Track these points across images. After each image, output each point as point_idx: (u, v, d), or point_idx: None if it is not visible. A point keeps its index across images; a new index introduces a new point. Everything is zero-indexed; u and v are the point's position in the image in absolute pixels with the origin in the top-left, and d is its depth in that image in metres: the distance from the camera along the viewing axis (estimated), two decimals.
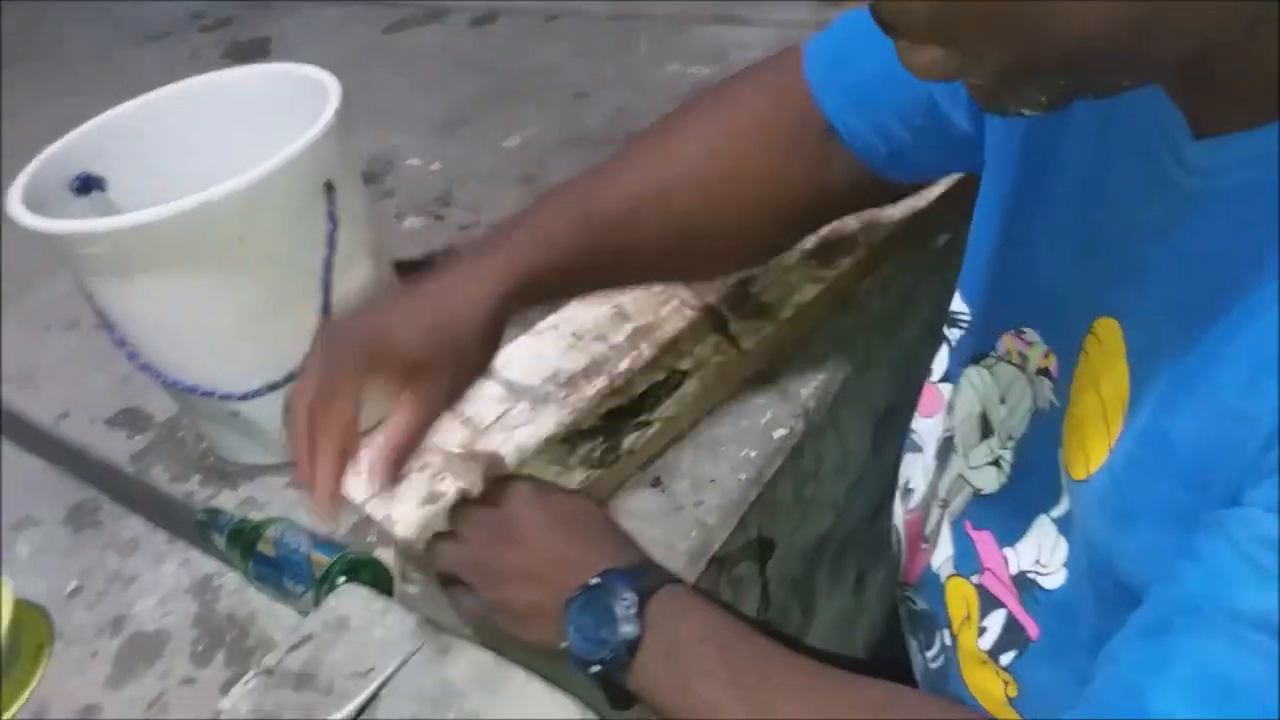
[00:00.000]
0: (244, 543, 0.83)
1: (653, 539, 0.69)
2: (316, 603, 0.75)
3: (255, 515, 0.88)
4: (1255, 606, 0.36)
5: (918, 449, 0.68)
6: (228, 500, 0.93)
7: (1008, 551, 0.55)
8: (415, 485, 0.72)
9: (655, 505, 0.70)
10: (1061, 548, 0.51)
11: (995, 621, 0.56)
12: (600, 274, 0.69)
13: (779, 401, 0.76)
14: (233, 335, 0.86)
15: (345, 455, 0.60)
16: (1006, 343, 0.60)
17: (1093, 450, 0.48)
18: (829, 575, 0.87)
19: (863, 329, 0.80)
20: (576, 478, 0.70)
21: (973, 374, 0.62)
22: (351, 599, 0.70)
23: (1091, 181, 0.52)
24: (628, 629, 0.55)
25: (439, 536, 0.67)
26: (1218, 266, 0.41)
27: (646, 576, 0.58)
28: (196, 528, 0.89)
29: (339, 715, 0.61)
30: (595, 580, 0.57)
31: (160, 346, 0.88)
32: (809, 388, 0.76)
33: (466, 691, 0.62)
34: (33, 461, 1.07)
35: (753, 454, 0.72)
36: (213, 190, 0.77)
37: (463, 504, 0.67)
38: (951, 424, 0.63)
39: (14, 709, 0.80)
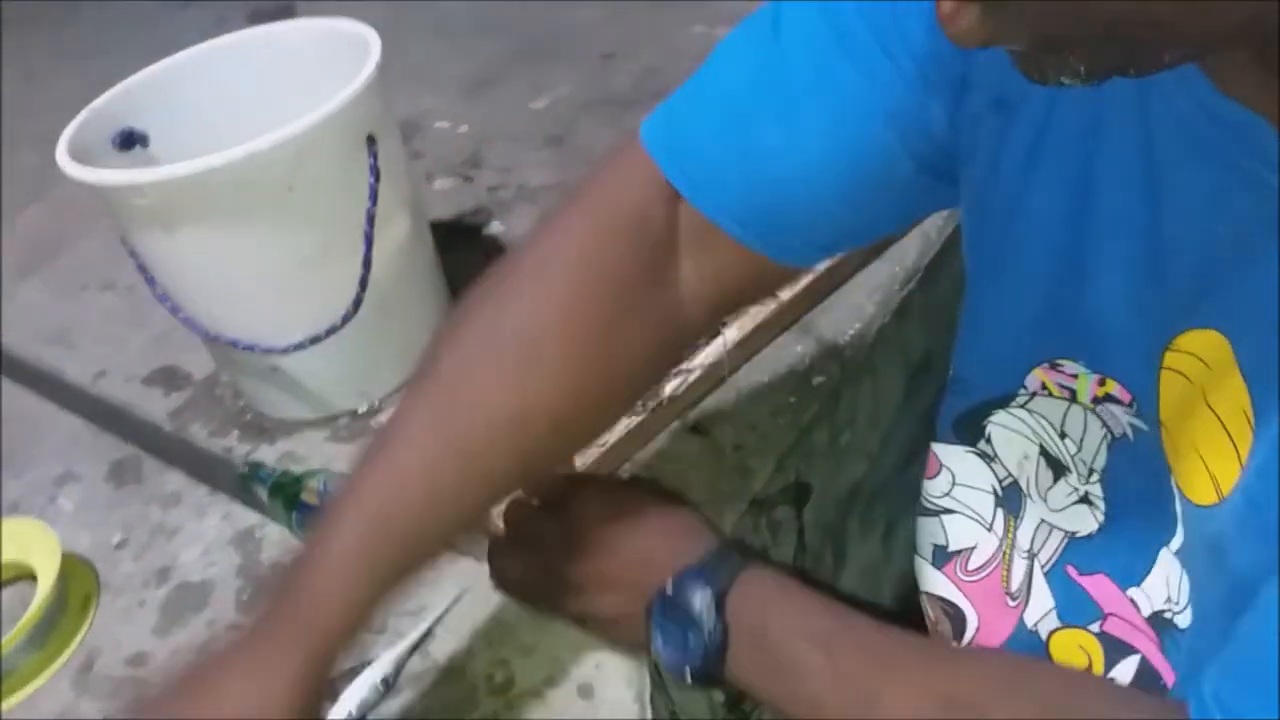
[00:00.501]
0: (287, 495, 0.85)
1: (694, 482, 0.70)
2: None
3: (296, 469, 0.89)
4: None
5: (931, 513, 0.65)
6: (266, 455, 0.94)
7: (1134, 593, 0.52)
8: None
9: (697, 449, 0.71)
10: (1185, 582, 0.49)
11: (1126, 670, 0.53)
12: (415, 570, 0.57)
13: (816, 349, 0.76)
14: (276, 287, 0.87)
15: None
16: (1039, 377, 0.57)
17: (1221, 472, 0.45)
18: (860, 524, 0.88)
19: (898, 279, 0.81)
20: (620, 425, 0.71)
21: (1004, 418, 0.59)
22: None
23: (1144, 201, 0.49)
24: (710, 631, 0.54)
25: (498, 545, 0.64)
26: None
27: (722, 568, 0.57)
28: (238, 481, 0.90)
29: (393, 652, 0.62)
30: (669, 589, 0.56)
31: (203, 300, 0.89)
32: (846, 336, 0.77)
33: (519, 629, 0.63)
34: (72, 420, 1.08)
35: (792, 399, 0.73)
36: (261, 140, 0.78)
37: (519, 507, 0.64)
38: (1006, 472, 0.60)
39: (64, 657, 0.82)
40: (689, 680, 0.55)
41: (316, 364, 0.91)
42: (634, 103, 1.33)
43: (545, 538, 0.61)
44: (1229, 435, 0.45)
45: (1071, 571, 0.56)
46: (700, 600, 0.55)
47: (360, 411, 0.96)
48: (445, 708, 0.60)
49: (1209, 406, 0.46)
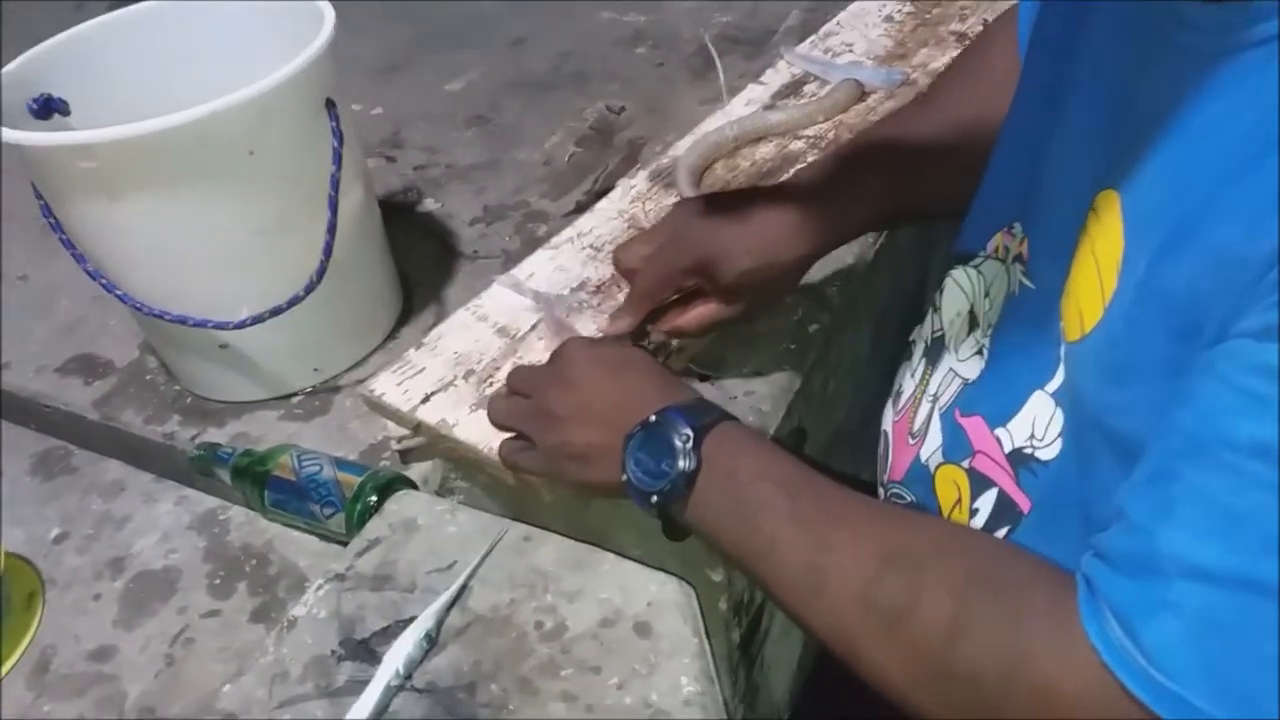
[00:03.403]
0: (254, 473, 0.81)
1: None
2: (352, 523, 0.74)
3: (256, 449, 0.84)
4: (1253, 435, 0.37)
5: (909, 357, 0.71)
6: (214, 438, 0.89)
7: (1000, 432, 0.58)
8: (465, 392, 0.71)
9: (710, 396, 0.71)
10: (1058, 419, 0.54)
11: (987, 502, 0.58)
12: (904, 220, 0.78)
13: (806, 299, 0.78)
14: (232, 258, 0.83)
15: (649, 309, 0.69)
16: (997, 240, 0.64)
17: (1087, 310, 0.50)
18: (836, 471, 0.91)
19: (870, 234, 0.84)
20: None
21: (960, 275, 0.66)
22: (413, 503, 0.69)
23: (1103, 70, 0.55)
24: (685, 461, 0.56)
25: (495, 396, 0.67)
26: (1220, 120, 0.44)
27: (704, 413, 0.59)
28: (192, 464, 0.85)
29: (433, 607, 0.60)
30: (653, 416, 0.58)
31: (147, 275, 0.84)
32: (833, 286, 0.79)
33: (560, 574, 0.62)
34: None
35: (792, 346, 0.75)
36: (222, 100, 0.74)
37: (520, 368, 0.68)
38: (940, 324, 0.67)
39: (15, 657, 0.75)
40: (651, 505, 0.57)
41: (271, 339, 0.87)
42: (553, 86, 1.32)
43: (538, 380, 0.64)
44: (1099, 279, 0.50)
45: (957, 413, 0.62)
46: (680, 433, 0.57)
47: (313, 388, 0.92)
48: (497, 658, 0.58)
49: (1093, 255, 0.51)
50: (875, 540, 0.53)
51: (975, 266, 0.65)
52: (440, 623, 0.60)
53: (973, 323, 0.64)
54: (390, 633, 0.60)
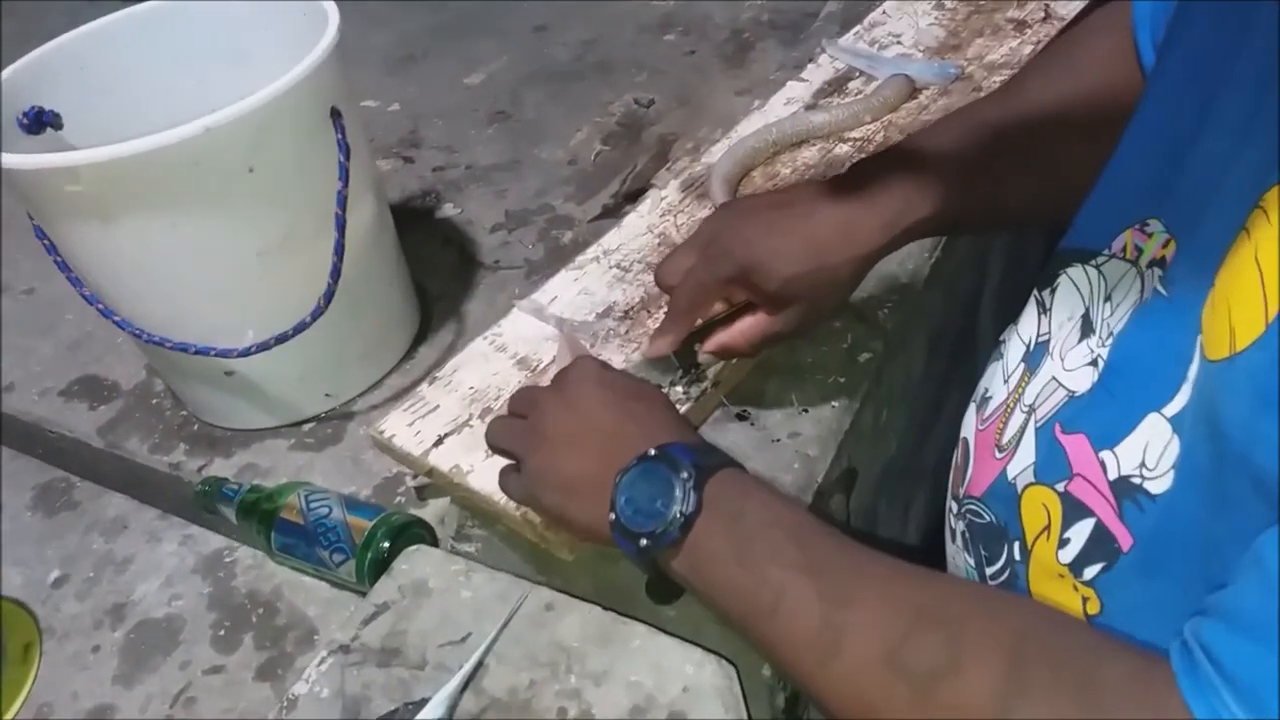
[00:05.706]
0: (261, 512, 0.75)
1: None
2: (363, 573, 0.68)
3: (264, 483, 0.79)
4: None
5: (1000, 358, 0.64)
6: (223, 470, 0.84)
7: (1105, 455, 0.50)
8: (481, 433, 0.65)
9: (747, 439, 0.65)
10: (1174, 447, 0.47)
11: (1080, 532, 0.51)
12: (971, 222, 0.68)
13: (856, 323, 0.71)
14: (235, 283, 0.77)
15: (690, 326, 0.64)
16: (1125, 239, 0.56)
17: (1241, 324, 0.43)
18: (887, 505, 0.84)
19: (926, 246, 0.76)
20: None
21: (1078, 274, 0.58)
22: (425, 561, 0.64)
23: (1267, 66, 0.47)
24: (683, 503, 0.50)
25: (496, 419, 0.62)
26: None
27: (708, 454, 0.53)
28: (196, 500, 0.80)
29: (445, 690, 0.54)
30: (653, 451, 0.52)
31: (145, 300, 0.78)
32: (884, 308, 0.72)
33: (585, 651, 0.56)
34: None
35: (842, 379, 0.68)
36: (217, 115, 0.68)
37: (524, 389, 0.62)
38: (1048, 328, 0.60)
39: (10, 716, 0.71)
40: (637, 549, 0.51)
41: (279, 365, 0.82)
42: (577, 77, 1.25)
43: (537, 397, 0.59)
44: (1263, 289, 0.42)
45: (1057, 429, 0.55)
46: (681, 471, 0.51)
47: (325, 415, 0.86)
48: None
49: (1256, 261, 0.44)
50: (905, 596, 0.46)
51: (1096, 266, 0.57)
52: (453, 708, 0.54)
53: (1086, 328, 0.57)
54: (398, 717, 0.54)
